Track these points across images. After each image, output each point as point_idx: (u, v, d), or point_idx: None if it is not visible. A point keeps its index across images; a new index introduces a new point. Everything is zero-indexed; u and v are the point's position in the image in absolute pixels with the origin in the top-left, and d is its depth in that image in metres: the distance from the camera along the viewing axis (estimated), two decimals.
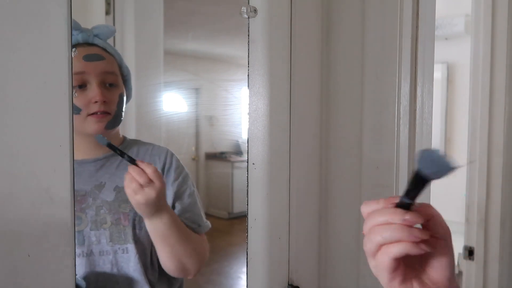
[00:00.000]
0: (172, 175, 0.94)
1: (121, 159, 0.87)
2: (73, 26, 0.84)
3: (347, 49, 0.92)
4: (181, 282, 1.01)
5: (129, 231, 0.87)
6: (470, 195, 1.66)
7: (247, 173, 0.83)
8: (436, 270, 0.45)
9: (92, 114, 0.84)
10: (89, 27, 0.89)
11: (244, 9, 0.79)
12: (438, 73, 2.34)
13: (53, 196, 0.55)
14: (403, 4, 0.84)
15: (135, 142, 0.98)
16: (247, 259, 0.83)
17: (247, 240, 0.83)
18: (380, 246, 0.43)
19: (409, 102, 0.86)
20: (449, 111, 2.37)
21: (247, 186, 0.83)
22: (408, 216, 0.41)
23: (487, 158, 1.61)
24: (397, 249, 0.42)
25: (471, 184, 1.66)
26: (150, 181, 0.78)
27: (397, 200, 0.43)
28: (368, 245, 0.44)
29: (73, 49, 0.83)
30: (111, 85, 0.88)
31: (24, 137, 0.53)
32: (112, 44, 0.93)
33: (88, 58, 0.85)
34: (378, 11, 0.87)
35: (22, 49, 0.53)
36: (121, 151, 0.82)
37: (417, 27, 0.86)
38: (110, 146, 0.83)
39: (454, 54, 2.33)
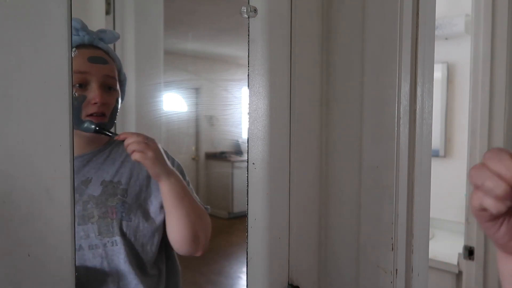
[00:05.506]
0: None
1: (108, 153, 0.93)
2: (81, 27, 0.86)
3: (347, 49, 0.92)
4: (175, 278, 1.01)
5: (116, 224, 0.87)
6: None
7: (247, 173, 0.83)
8: None
9: (90, 115, 0.86)
10: (89, 26, 0.89)
11: (244, 9, 0.79)
12: (438, 73, 2.33)
13: (53, 196, 0.55)
14: (403, 4, 0.84)
15: None
16: (247, 259, 0.83)
17: (247, 240, 0.83)
18: None
19: (409, 102, 0.86)
20: (449, 111, 2.37)
21: (247, 186, 0.83)
22: None
23: None
24: None
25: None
26: (145, 138, 0.86)
27: None
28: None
29: (73, 49, 0.84)
30: (110, 88, 0.90)
31: (24, 137, 0.53)
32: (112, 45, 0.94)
33: (92, 60, 0.87)
34: (378, 11, 0.87)
35: (22, 49, 0.53)
36: (110, 131, 0.88)
37: (417, 27, 0.86)
38: (98, 130, 0.87)
39: (454, 54, 2.33)
